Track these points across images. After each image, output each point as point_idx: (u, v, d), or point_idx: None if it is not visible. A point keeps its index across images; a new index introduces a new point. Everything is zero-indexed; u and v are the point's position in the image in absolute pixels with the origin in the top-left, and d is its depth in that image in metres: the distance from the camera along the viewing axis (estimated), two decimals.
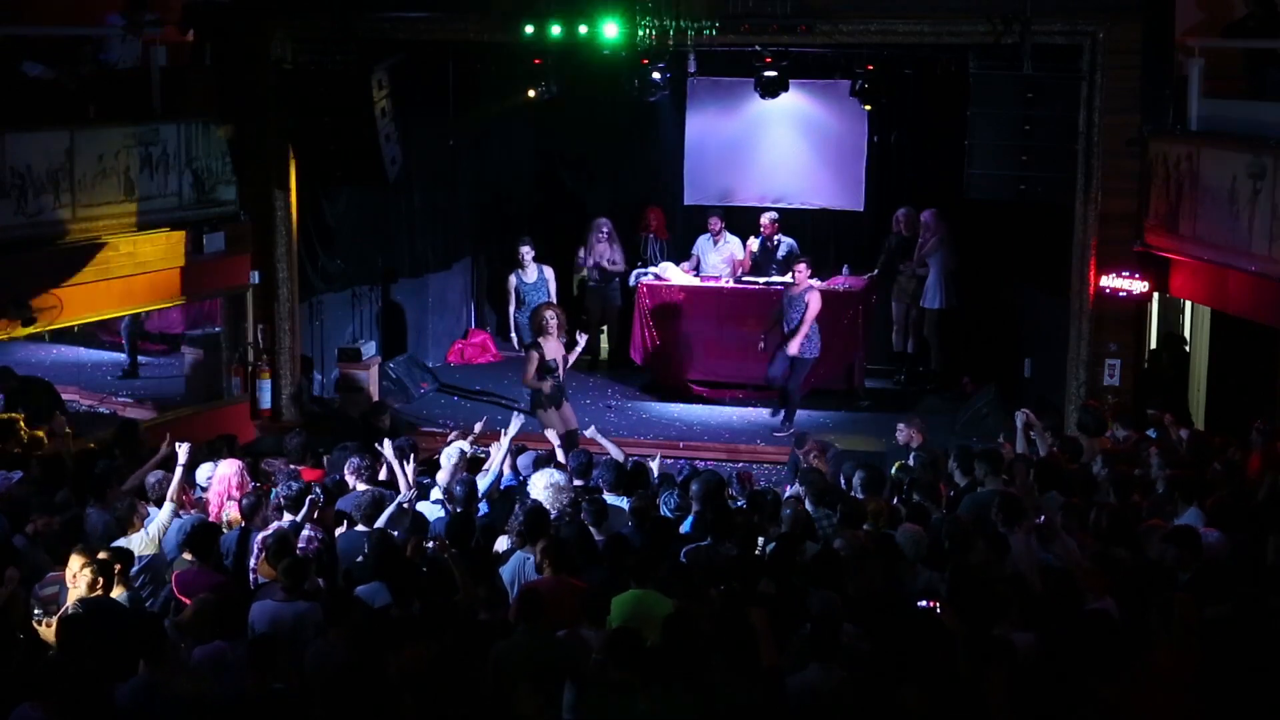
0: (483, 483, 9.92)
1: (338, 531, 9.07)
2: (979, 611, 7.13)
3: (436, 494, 9.86)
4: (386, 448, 10.07)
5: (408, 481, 9.83)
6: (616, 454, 11.26)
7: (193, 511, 9.43)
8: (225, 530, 9.14)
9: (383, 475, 10.12)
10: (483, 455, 10.74)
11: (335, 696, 6.25)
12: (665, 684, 6.31)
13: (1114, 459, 10.24)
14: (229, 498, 9.66)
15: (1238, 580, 7.53)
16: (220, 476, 9.82)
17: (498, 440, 10.52)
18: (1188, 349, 13.65)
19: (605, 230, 16.21)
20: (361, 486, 9.61)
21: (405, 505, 9.38)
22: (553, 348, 12.83)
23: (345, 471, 9.86)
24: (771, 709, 6.27)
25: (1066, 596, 7.32)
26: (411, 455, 10.28)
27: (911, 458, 11.06)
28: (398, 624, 7.11)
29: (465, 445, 10.51)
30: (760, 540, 8.94)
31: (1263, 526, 8.51)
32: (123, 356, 16.03)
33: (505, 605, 7.81)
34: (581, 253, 16.45)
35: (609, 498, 9.71)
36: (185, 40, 14.01)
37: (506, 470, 10.37)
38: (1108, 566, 7.78)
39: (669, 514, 9.39)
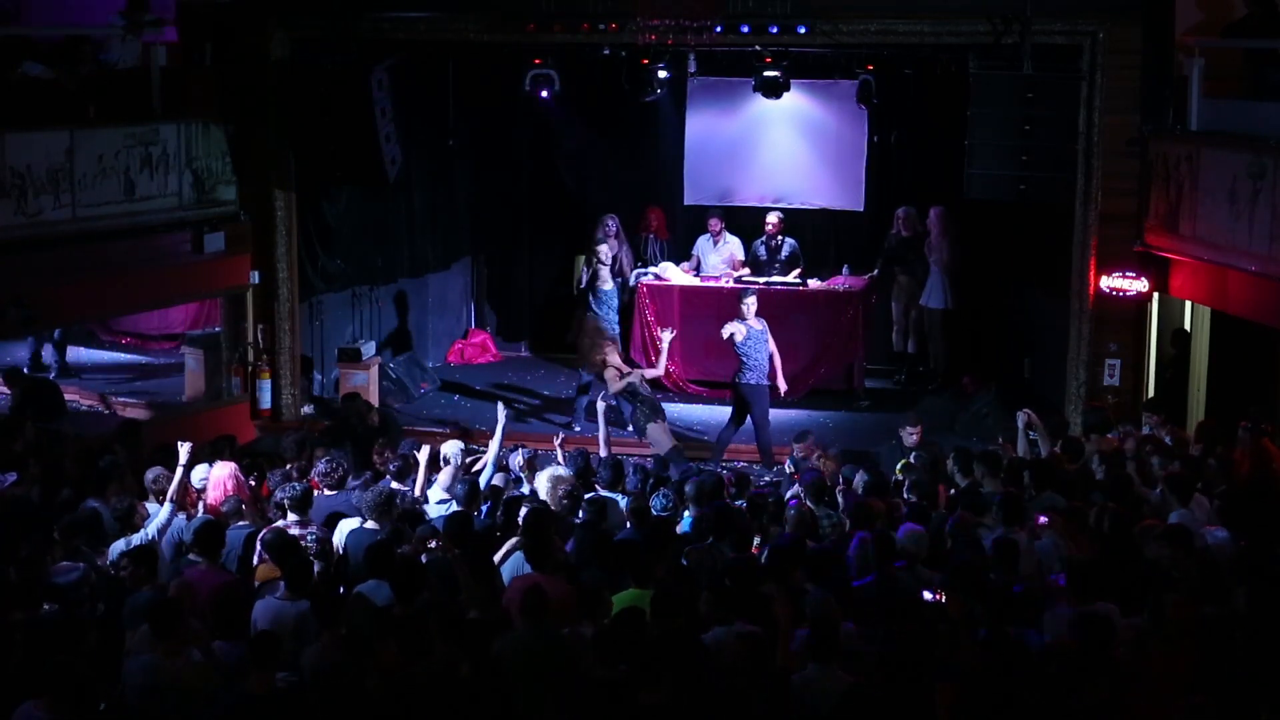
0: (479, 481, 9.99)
1: (348, 530, 9.09)
2: (995, 610, 7.15)
3: (438, 494, 9.89)
4: (423, 453, 10.14)
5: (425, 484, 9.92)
6: (603, 446, 11.36)
7: (196, 511, 9.45)
8: None
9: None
10: (478, 452, 10.80)
11: (332, 697, 6.27)
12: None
13: (1112, 460, 10.25)
14: (224, 499, 9.67)
15: (1239, 579, 7.54)
16: (216, 480, 9.83)
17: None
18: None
19: (613, 227, 15.86)
20: (328, 492, 9.63)
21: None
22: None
23: (313, 474, 9.91)
24: (777, 709, 6.29)
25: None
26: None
27: (913, 457, 11.08)
28: (400, 622, 7.11)
29: (460, 445, 10.58)
30: (756, 540, 8.97)
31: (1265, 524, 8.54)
32: (129, 358, 16.13)
33: (498, 602, 7.83)
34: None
35: (605, 495, 9.74)
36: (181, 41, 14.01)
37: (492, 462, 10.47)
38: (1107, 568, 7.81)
39: (658, 513, 9.41)
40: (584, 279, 14.82)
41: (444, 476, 10.01)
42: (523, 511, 8.99)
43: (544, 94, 14.80)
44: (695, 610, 7.61)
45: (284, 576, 7.82)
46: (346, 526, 9.09)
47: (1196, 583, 7.57)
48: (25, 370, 14.80)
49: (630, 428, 13.53)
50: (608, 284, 14.51)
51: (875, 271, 15.96)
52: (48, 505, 9.32)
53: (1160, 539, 8.16)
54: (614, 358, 13.50)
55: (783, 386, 13.58)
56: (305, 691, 6.69)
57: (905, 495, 10.02)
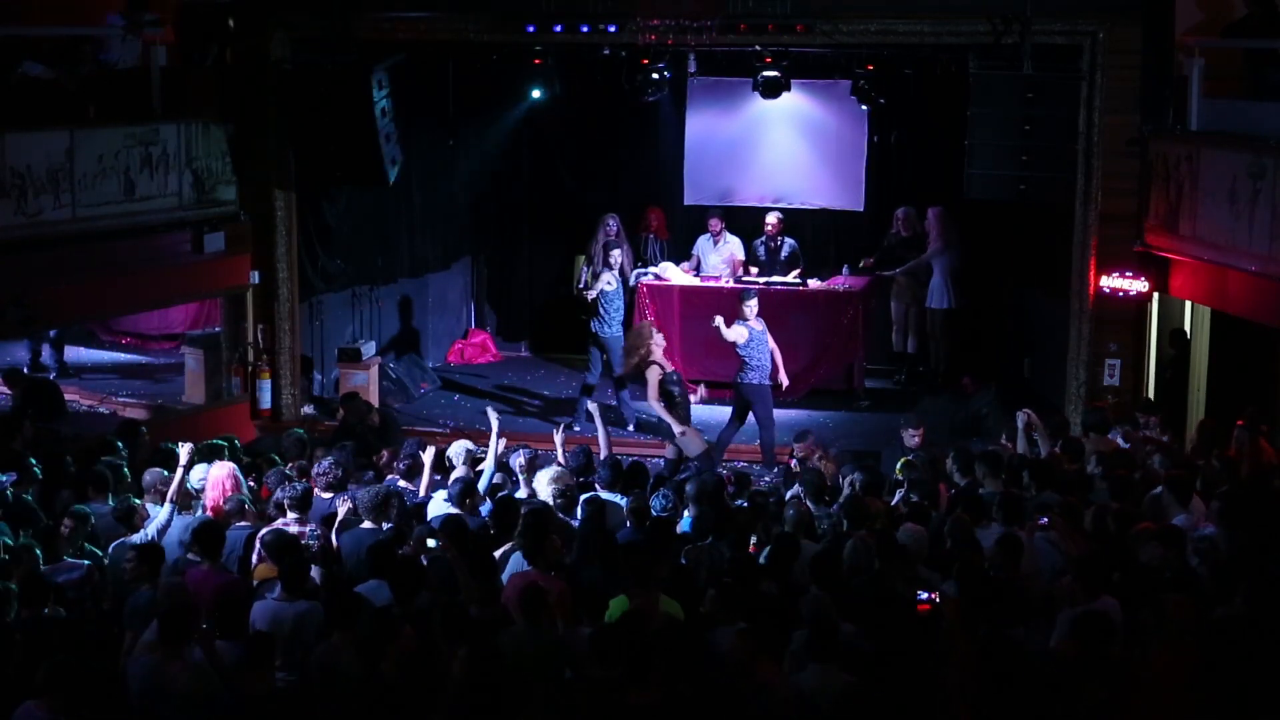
0: (480, 482, 9.98)
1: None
2: (991, 611, 7.15)
3: (442, 494, 9.90)
4: (429, 454, 10.16)
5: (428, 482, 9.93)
6: (604, 447, 11.35)
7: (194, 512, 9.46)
8: None
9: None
10: (481, 455, 10.78)
11: (341, 699, 6.27)
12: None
13: (1110, 460, 10.25)
14: (223, 499, 9.67)
15: (1240, 579, 7.54)
16: (214, 480, 9.82)
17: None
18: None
19: (614, 228, 15.64)
20: (327, 494, 9.64)
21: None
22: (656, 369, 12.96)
23: (313, 474, 9.92)
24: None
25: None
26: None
27: (913, 457, 11.07)
28: (399, 623, 7.11)
29: (470, 444, 10.55)
30: (753, 540, 8.96)
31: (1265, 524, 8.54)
32: (129, 358, 16.18)
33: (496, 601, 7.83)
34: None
35: (605, 495, 9.74)
36: (181, 41, 14.01)
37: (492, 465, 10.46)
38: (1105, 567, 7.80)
39: (659, 512, 9.40)
40: (583, 281, 14.75)
41: (453, 479, 10.00)
42: (521, 512, 8.99)
43: (545, 94, 14.79)
44: (696, 610, 7.62)
45: (280, 576, 7.80)
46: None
47: (1205, 584, 7.57)
48: (25, 370, 14.81)
49: (630, 427, 13.50)
50: (611, 285, 14.48)
51: (874, 271, 15.96)
52: (48, 505, 9.32)
53: (1154, 540, 8.16)
54: (659, 353, 13.21)
55: (785, 381, 13.57)
56: (307, 691, 6.69)
57: (906, 495, 10.02)
